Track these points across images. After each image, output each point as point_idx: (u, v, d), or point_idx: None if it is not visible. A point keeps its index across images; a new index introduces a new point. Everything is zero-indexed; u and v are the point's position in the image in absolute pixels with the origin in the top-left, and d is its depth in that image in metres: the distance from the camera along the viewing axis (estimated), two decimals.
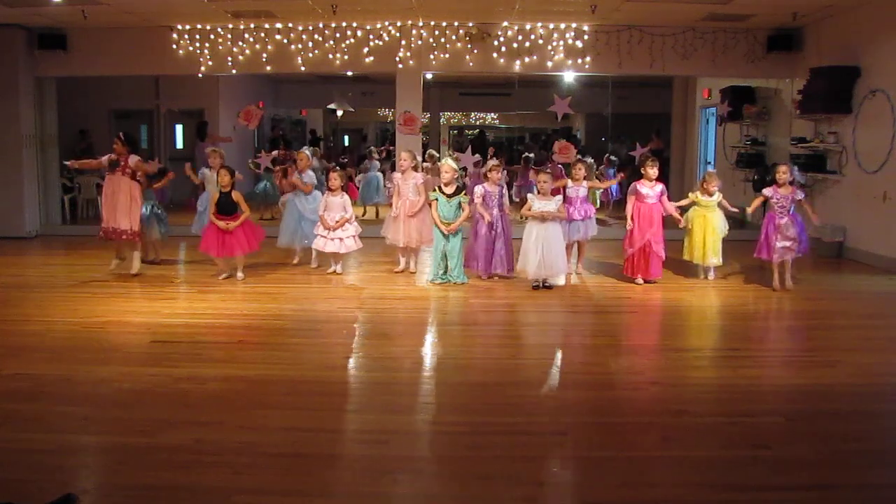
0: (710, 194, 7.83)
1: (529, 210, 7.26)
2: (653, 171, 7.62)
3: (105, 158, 7.84)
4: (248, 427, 3.93)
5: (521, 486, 3.32)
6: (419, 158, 8.52)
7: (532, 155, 14.10)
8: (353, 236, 7.99)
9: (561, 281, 7.61)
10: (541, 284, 7.37)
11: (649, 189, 7.61)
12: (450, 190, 7.58)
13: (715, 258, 7.76)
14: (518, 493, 3.27)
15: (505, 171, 8.84)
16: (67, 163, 8.48)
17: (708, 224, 7.76)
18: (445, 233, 7.52)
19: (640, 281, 7.65)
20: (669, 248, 7.83)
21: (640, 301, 7.19)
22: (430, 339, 5.95)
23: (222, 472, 3.40)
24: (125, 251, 7.93)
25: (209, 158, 8.47)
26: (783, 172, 7.35)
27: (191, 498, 3.20)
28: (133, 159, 7.76)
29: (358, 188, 13.30)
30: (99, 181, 12.30)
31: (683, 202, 8.07)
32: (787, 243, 7.22)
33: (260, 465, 3.48)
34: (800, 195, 7.37)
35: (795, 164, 8.69)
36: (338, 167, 8.73)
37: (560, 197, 7.47)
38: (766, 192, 7.43)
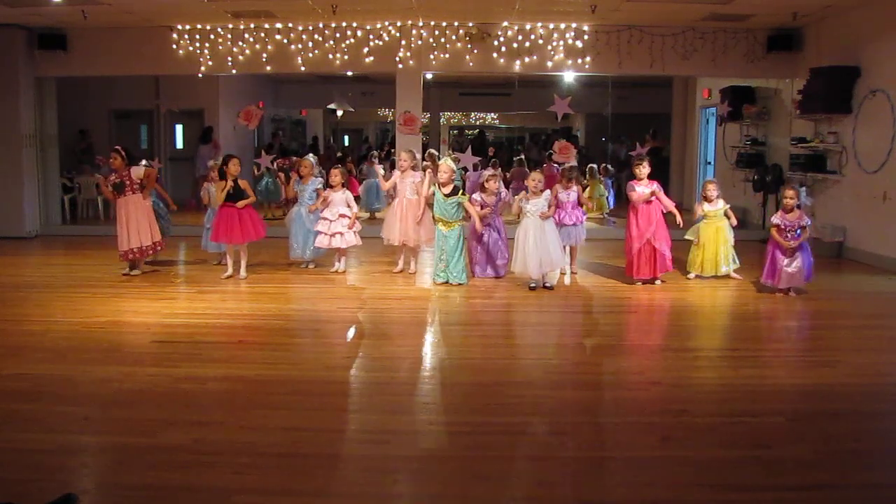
0: (710, 201, 7.83)
1: (520, 211, 7.29)
2: (640, 171, 7.57)
3: (110, 183, 7.83)
4: (248, 427, 3.93)
5: (521, 486, 3.32)
6: (419, 157, 8.52)
7: (523, 157, 14.08)
8: (355, 232, 8.03)
9: (556, 275, 7.61)
10: (539, 285, 7.37)
11: (644, 188, 7.60)
12: (447, 190, 7.57)
13: (726, 266, 7.75)
14: (518, 493, 3.27)
15: (501, 173, 8.84)
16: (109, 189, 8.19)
17: (720, 234, 7.75)
18: (445, 231, 7.53)
19: (639, 283, 7.65)
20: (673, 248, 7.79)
21: (640, 301, 7.19)
22: (430, 339, 5.95)
23: (222, 472, 3.40)
24: (142, 261, 8.02)
25: (211, 172, 8.44)
26: (790, 198, 7.12)
27: (191, 498, 3.20)
28: (135, 172, 7.79)
29: (360, 182, 13.35)
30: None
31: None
32: (793, 270, 7.06)
33: (260, 465, 3.48)
34: (805, 221, 7.15)
35: (802, 187, 8.60)
36: (338, 165, 8.72)
37: (548, 192, 7.47)
38: (775, 219, 7.22)
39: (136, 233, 7.75)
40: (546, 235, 7.19)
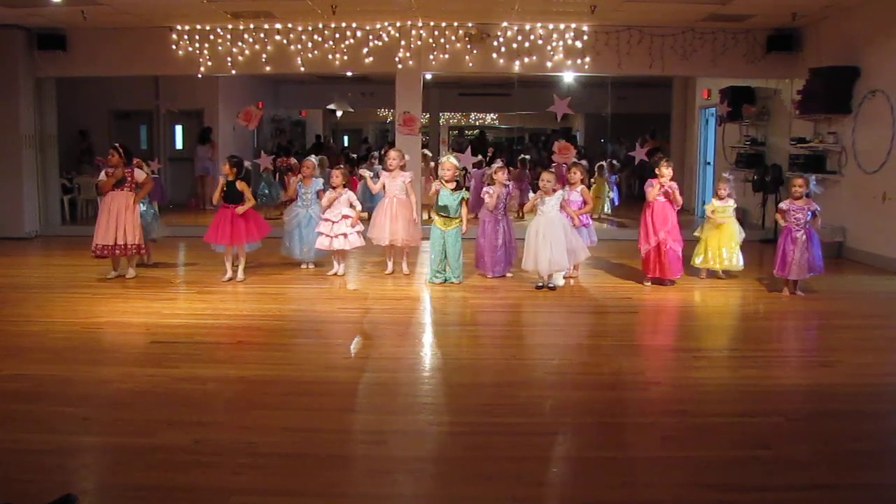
0: (721, 198, 7.88)
1: (532, 208, 7.29)
2: (667, 171, 7.49)
3: (111, 174, 7.61)
4: (248, 427, 3.93)
5: (521, 486, 3.32)
6: (408, 157, 8.51)
7: (528, 157, 14.06)
8: (358, 233, 7.93)
9: (561, 280, 7.62)
10: (544, 285, 7.35)
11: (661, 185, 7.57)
12: (452, 185, 7.62)
13: (729, 263, 7.77)
14: (518, 493, 3.27)
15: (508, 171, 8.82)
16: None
17: (725, 230, 7.78)
18: (442, 228, 7.56)
19: (648, 284, 7.63)
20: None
21: (641, 301, 7.18)
22: (429, 339, 5.95)
23: (222, 472, 3.40)
24: (123, 261, 7.85)
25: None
26: (799, 186, 7.06)
27: (190, 498, 3.19)
28: (140, 175, 7.72)
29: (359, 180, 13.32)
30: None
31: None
32: (802, 261, 6.99)
33: (260, 465, 3.48)
34: (815, 207, 7.08)
35: (811, 176, 8.62)
36: (340, 165, 8.72)
37: (560, 192, 7.46)
38: (782, 205, 7.24)
39: (121, 229, 7.50)
40: (557, 234, 7.13)
